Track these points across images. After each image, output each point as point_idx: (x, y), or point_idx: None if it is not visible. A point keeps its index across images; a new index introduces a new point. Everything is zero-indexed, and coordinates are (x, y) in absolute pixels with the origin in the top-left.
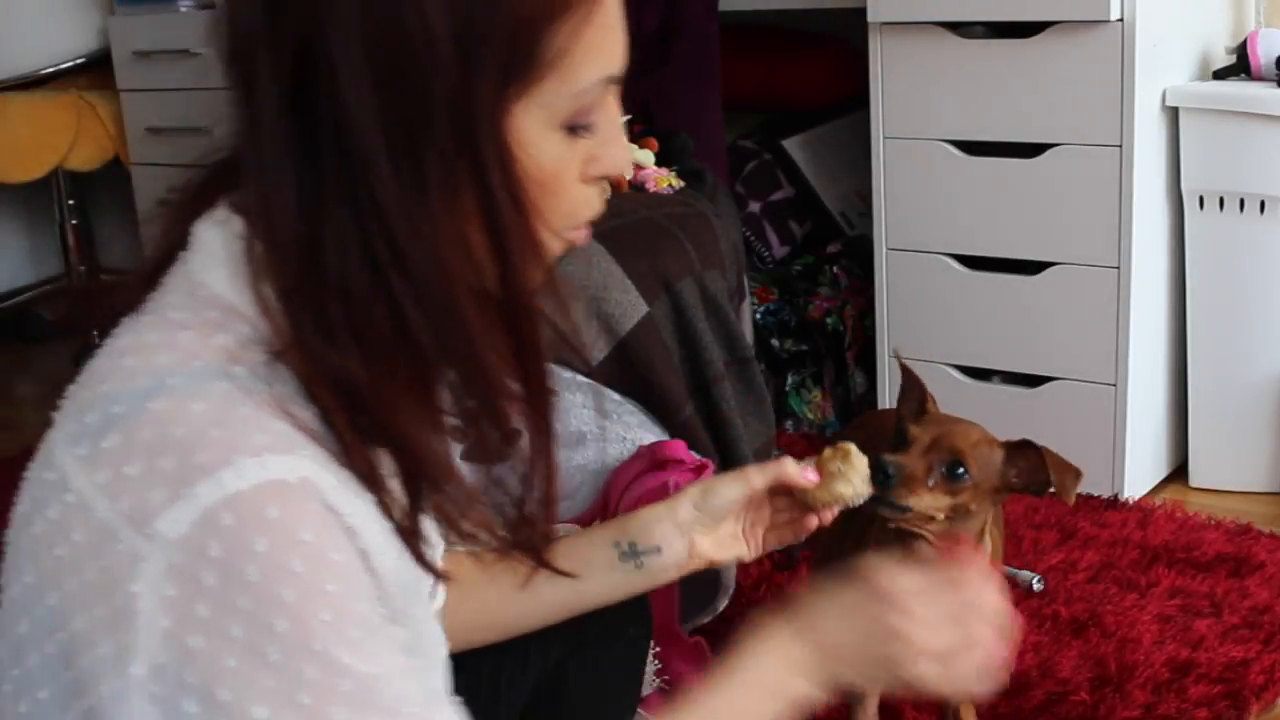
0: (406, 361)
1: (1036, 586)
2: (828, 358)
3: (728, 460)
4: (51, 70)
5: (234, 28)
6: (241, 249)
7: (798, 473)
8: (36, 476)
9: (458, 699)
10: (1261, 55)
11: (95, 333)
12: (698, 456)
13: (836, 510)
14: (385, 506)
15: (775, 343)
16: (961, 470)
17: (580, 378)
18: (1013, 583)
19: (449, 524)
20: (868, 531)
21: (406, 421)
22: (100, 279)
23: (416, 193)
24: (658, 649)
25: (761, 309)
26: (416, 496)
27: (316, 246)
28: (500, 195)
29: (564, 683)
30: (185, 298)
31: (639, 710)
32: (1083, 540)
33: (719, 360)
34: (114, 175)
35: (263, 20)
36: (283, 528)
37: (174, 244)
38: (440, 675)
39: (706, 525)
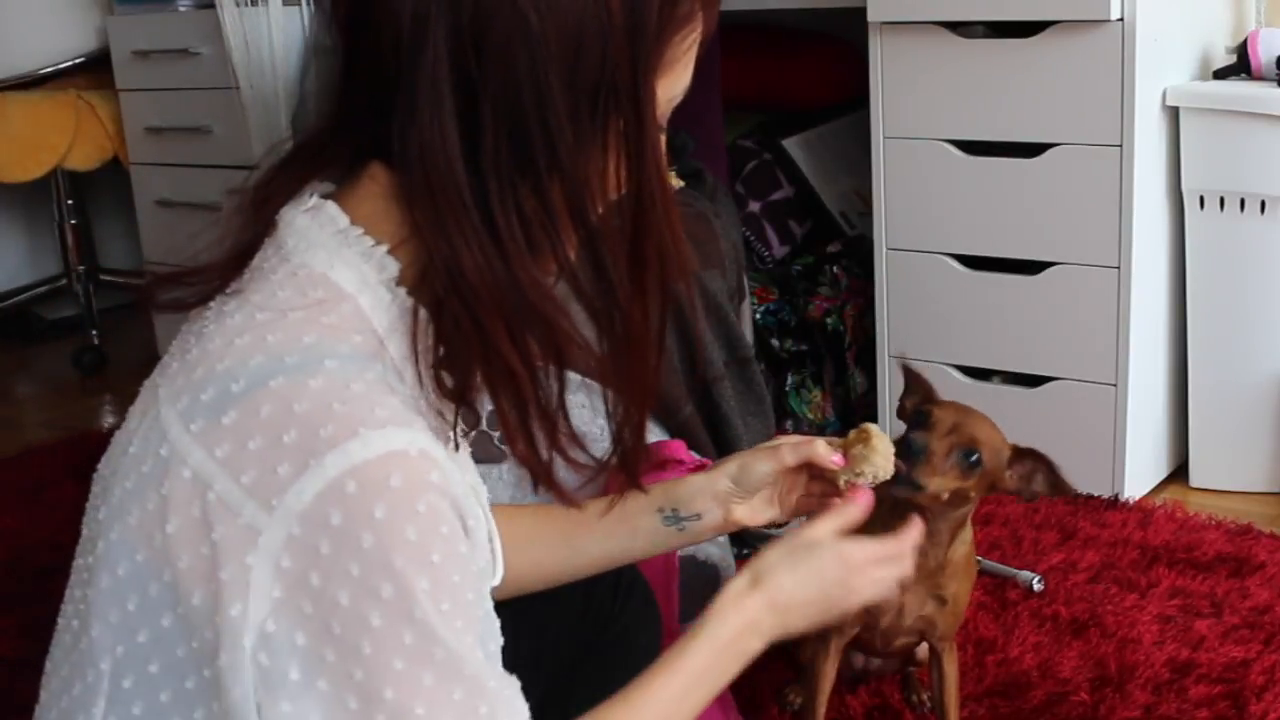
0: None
1: (1036, 586)
2: (828, 358)
3: None
4: (51, 70)
5: None
6: (341, 227)
7: (826, 454)
8: (145, 452)
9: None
10: (1262, 55)
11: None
12: (697, 456)
13: (859, 488)
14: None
15: (775, 343)
16: (976, 458)
17: (580, 378)
18: (1013, 583)
19: (551, 442)
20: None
21: (563, 321)
22: (152, 269)
23: (581, 143)
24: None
25: (761, 309)
26: (550, 399)
27: (484, 188)
28: (650, 153)
29: (575, 688)
30: (288, 279)
31: None
32: (1083, 540)
33: (719, 360)
34: (113, 175)
35: None
36: (402, 496)
37: (258, 231)
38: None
39: (741, 497)
